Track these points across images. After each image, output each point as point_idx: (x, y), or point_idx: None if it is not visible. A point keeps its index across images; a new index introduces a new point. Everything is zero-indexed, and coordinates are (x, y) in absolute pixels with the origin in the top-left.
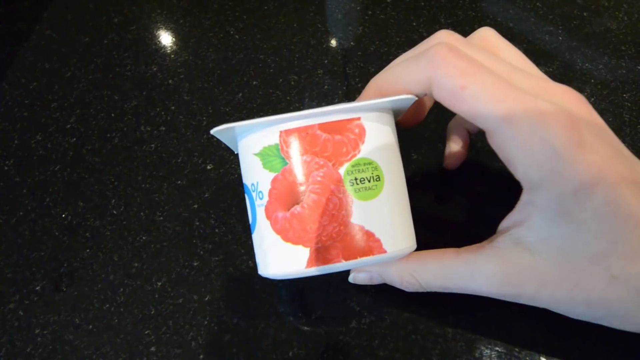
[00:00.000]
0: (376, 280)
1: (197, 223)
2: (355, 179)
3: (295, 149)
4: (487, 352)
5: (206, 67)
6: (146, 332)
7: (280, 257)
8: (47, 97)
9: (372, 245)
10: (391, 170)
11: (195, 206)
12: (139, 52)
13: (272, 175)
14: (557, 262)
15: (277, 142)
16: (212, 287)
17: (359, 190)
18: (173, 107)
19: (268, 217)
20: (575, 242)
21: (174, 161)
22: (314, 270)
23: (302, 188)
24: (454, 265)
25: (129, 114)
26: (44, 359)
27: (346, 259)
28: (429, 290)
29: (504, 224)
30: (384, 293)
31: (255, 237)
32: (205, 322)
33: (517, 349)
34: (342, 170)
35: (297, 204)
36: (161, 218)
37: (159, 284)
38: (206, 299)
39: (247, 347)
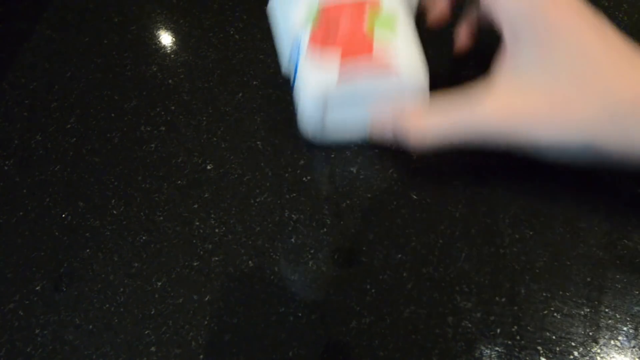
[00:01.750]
0: (389, 135)
1: (197, 223)
2: (377, 15)
3: None
4: (487, 352)
5: (206, 67)
6: (146, 332)
7: (314, 76)
8: (47, 97)
9: (390, 62)
10: (405, 15)
11: (195, 206)
12: (139, 52)
13: (311, 21)
14: (547, 95)
15: None
16: (212, 287)
17: (380, 25)
18: (173, 107)
19: (309, 51)
20: (557, 76)
21: (174, 161)
22: (345, 86)
23: (336, 23)
24: (460, 106)
25: (129, 114)
26: (44, 359)
27: (369, 72)
28: (435, 140)
29: (496, 72)
30: (384, 293)
31: (296, 85)
32: (205, 322)
33: (517, 349)
34: (366, 9)
35: (333, 37)
36: (161, 218)
37: (159, 284)
38: (206, 299)
39: (247, 347)
